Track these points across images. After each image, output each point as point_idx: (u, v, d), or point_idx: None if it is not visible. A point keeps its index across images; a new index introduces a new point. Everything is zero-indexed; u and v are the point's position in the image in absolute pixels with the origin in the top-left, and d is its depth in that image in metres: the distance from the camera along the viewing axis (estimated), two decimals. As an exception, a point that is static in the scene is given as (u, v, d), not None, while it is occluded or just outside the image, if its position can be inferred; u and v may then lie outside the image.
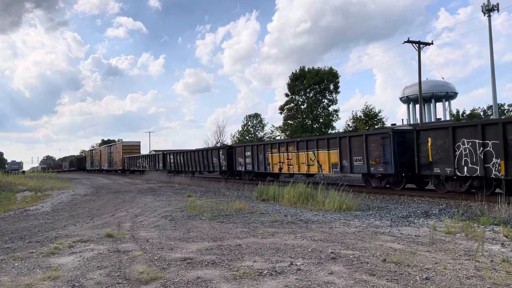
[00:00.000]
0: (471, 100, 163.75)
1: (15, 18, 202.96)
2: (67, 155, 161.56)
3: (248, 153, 24.05)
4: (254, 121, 65.86)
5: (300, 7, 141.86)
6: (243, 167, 24.69)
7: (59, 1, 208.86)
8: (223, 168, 26.73)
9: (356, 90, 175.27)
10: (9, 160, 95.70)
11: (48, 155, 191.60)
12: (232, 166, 25.96)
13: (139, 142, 56.65)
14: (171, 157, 35.93)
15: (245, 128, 65.52)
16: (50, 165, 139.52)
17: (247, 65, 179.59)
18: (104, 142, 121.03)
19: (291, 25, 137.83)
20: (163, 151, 41.13)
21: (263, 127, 65.15)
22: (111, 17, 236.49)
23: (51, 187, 24.08)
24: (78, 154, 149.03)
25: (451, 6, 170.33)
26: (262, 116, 74.19)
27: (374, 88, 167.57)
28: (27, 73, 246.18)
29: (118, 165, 54.17)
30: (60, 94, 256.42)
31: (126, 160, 51.00)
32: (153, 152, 51.12)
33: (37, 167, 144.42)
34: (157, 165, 39.30)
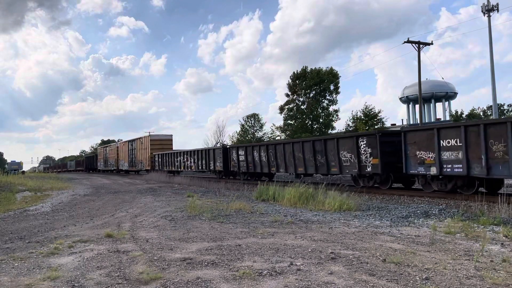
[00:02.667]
0: (473, 100, 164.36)
1: (17, 17, 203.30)
2: (67, 155, 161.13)
3: (450, 142, 12.48)
4: (253, 121, 65.85)
5: (303, 6, 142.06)
6: (434, 169, 12.98)
7: (62, 1, 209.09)
8: (368, 169, 15.17)
9: (357, 90, 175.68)
10: (8, 160, 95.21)
11: (48, 155, 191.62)
12: (394, 167, 14.77)
13: (171, 135, 43.09)
14: (241, 152, 24.39)
15: (243, 128, 65.53)
16: (53, 164, 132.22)
17: (249, 65, 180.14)
18: (104, 142, 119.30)
19: (294, 25, 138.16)
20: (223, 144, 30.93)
21: (261, 127, 65.17)
22: (113, 17, 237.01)
23: (51, 187, 24.07)
24: (78, 154, 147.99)
25: (455, 5, 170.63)
26: (261, 116, 74.23)
27: (375, 88, 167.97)
28: (28, 73, 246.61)
29: (144, 164, 41.93)
30: (61, 94, 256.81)
31: (157, 158, 38.93)
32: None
33: (38, 167, 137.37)
34: (212, 165, 27.70)
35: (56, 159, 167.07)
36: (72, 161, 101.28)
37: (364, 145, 15.56)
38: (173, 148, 40.71)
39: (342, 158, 16.57)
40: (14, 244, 7.14)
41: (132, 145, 47.03)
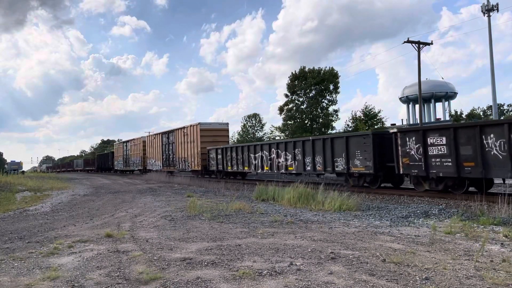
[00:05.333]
0: (474, 99, 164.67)
1: (20, 16, 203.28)
2: (67, 155, 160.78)
3: None
4: (253, 121, 65.96)
5: (306, 5, 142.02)
6: None
7: (64, 0, 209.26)
8: None
9: (358, 90, 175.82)
10: (8, 160, 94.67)
11: (48, 155, 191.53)
12: None
13: (227, 124, 31.95)
14: (434, 140, 13.06)
15: (244, 129, 65.64)
16: (56, 164, 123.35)
17: (250, 65, 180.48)
18: (104, 142, 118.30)
19: (297, 24, 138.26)
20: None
21: (262, 127, 65.31)
22: (116, 16, 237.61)
23: (51, 187, 24.07)
24: (78, 154, 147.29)
25: (457, 4, 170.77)
26: (261, 116, 74.37)
27: (377, 88, 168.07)
28: (29, 72, 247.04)
29: (190, 163, 30.86)
30: (62, 94, 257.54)
31: (213, 155, 27.89)
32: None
33: (40, 166, 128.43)
34: (341, 163, 16.55)
35: (56, 159, 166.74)
36: (80, 160, 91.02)
37: None
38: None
39: None
40: (14, 244, 7.14)
41: (168, 138, 35.81)
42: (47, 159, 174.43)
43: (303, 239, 6.76)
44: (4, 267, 5.46)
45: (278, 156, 20.80)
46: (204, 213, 9.94)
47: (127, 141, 50.05)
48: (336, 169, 16.88)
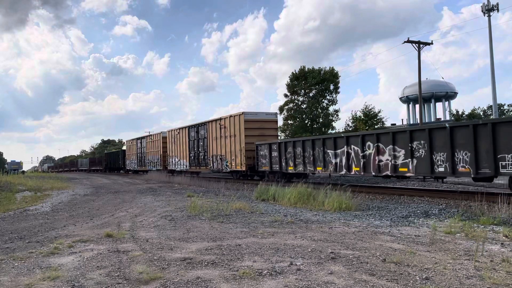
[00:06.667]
0: (475, 99, 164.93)
1: (21, 15, 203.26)
2: (67, 155, 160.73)
3: None
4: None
5: (309, 5, 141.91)
6: None
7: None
8: None
9: (359, 89, 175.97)
10: (8, 160, 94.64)
11: (48, 155, 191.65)
12: None
13: (276, 114, 26.32)
14: None
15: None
16: (58, 163, 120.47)
17: (252, 64, 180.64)
18: (104, 142, 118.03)
19: (299, 23, 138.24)
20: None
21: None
22: (117, 15, 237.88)
23: (51, 187, 24.08)
24: (78, 154, 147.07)
25: (459, 4, 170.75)
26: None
27: (378, 88, 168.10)
28: (30, 72, 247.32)
29: (230, 162, 24.87)
30: (62, 94, 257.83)
31: (265, 152, 21.61)
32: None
33: (42, 166, 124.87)
34: None
35: (56, 158, 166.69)
36: (85, 159, 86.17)
37: None
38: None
39: None
40: (14, 244, 7.14)
41: (198, 132, 29.65)
42: (47, 159, 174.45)
43: (303, 239, 6.76)
44: (4, 267, 5.46)
45: (378, 152, 14.72)
46: (204, 213, 9.94)
47: (142, 138, 43.25)
48: (502, 170, 11.04)
